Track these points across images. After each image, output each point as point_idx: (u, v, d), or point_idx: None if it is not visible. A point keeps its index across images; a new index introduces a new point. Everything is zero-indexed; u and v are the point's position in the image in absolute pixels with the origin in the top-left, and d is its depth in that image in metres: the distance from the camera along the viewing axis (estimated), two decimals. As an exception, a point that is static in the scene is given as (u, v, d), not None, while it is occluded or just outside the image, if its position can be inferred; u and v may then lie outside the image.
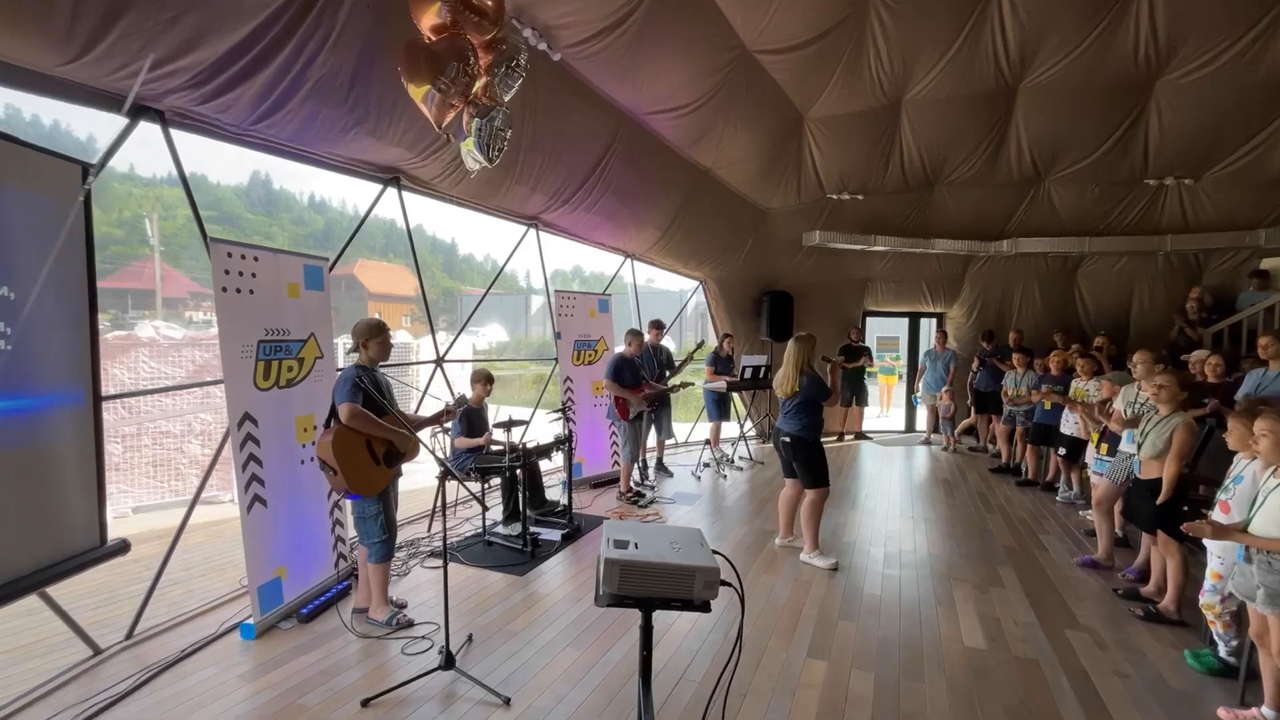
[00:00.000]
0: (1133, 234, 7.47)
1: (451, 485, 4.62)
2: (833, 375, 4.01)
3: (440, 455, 4.36)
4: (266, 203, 33.50)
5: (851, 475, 6.39)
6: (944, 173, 7.25)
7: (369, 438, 2.95)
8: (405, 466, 3.21)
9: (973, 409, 7.84)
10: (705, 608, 1.55)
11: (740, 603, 1.68)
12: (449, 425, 4.45)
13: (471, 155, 2.42)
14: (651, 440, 6.25)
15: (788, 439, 3.90)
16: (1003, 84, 6.15)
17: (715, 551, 1.66)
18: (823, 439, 3.94)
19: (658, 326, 6.05)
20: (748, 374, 6.36)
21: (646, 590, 1.50)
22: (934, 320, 9.37)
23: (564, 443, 4.48)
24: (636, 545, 1.61)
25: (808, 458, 3.88)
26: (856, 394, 8.23)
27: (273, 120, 3.13)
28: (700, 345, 6.25)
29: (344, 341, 3.42)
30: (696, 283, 8.12)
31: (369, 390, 2.86)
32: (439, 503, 2.79)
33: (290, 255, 3.41)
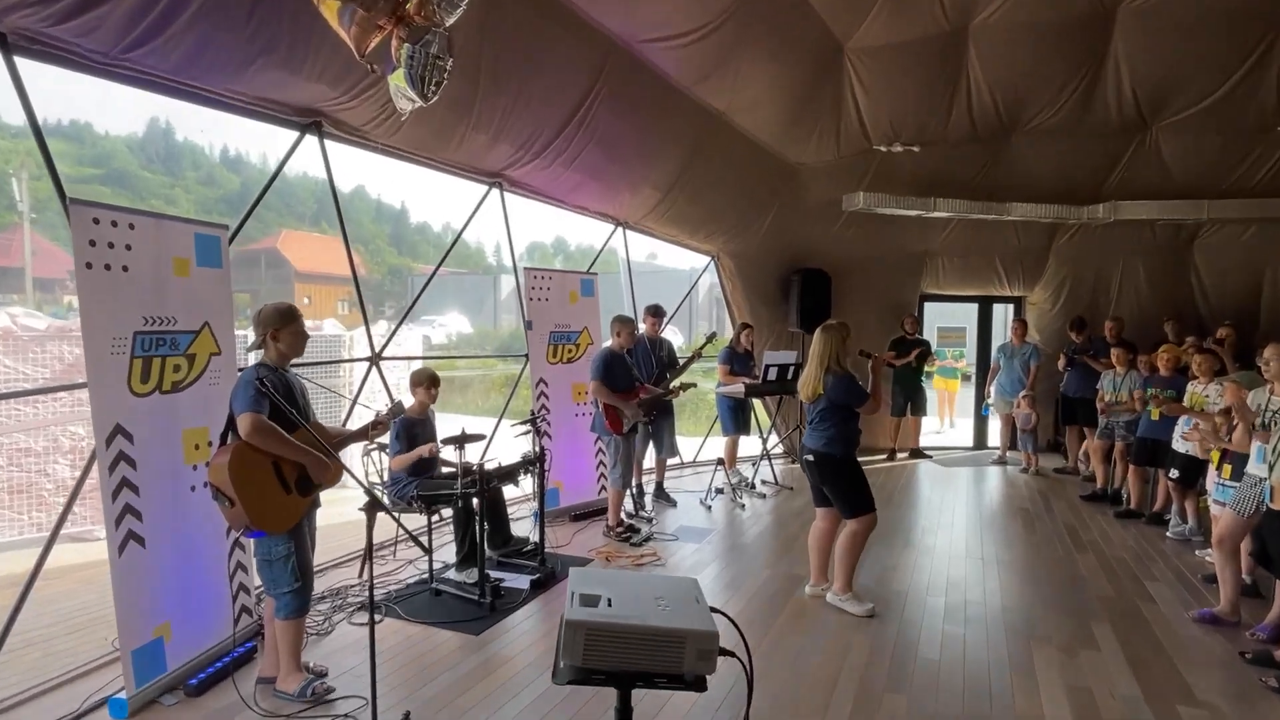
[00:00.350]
0: (1264, 195, 7.41)
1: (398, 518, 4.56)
2: (873, 374, 3.96)
3: (367, 478, 4.31)
4: (167, 158, 33.51)
5: (904, 504, 6.36)
6: (1023, 118, 7.20)
7: (277, 458, 2.88)
8: (327, 494, 3.15)
9: (1060, 420, 7.81)
10: (700, 685, 1.47)
11: (748, 682, 1.60)
12: (386, 441, 4.40)
13: (402, 92, 2.35)
14: (649, 460, 6.24)
15: (811, 457, 3.90)
16: (1098, 2, 6.09)
17: (716, 610, 1.59)
18: (861, 457, 3.90)
19: (655, 314, 6.03)
20: (772, 375, 6.36)
21: (621, 662, 1.42)
22: (1010, 307, 9.36)
23: (534, 463, 4.44)
24: (610, 601, 1.54)
25: (838, 480, 3.86)
26: (911, 400, 8.22)
27: (151, 48, 3.06)
28: (711, 338, 6.24)
29: (247, 334, 3.35)
30: (708, 259, 8.10)
31: (275, 396, 2.79)
32: (369, 541, 2.72)
33: (178, 222, 3.34)
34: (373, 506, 2.69)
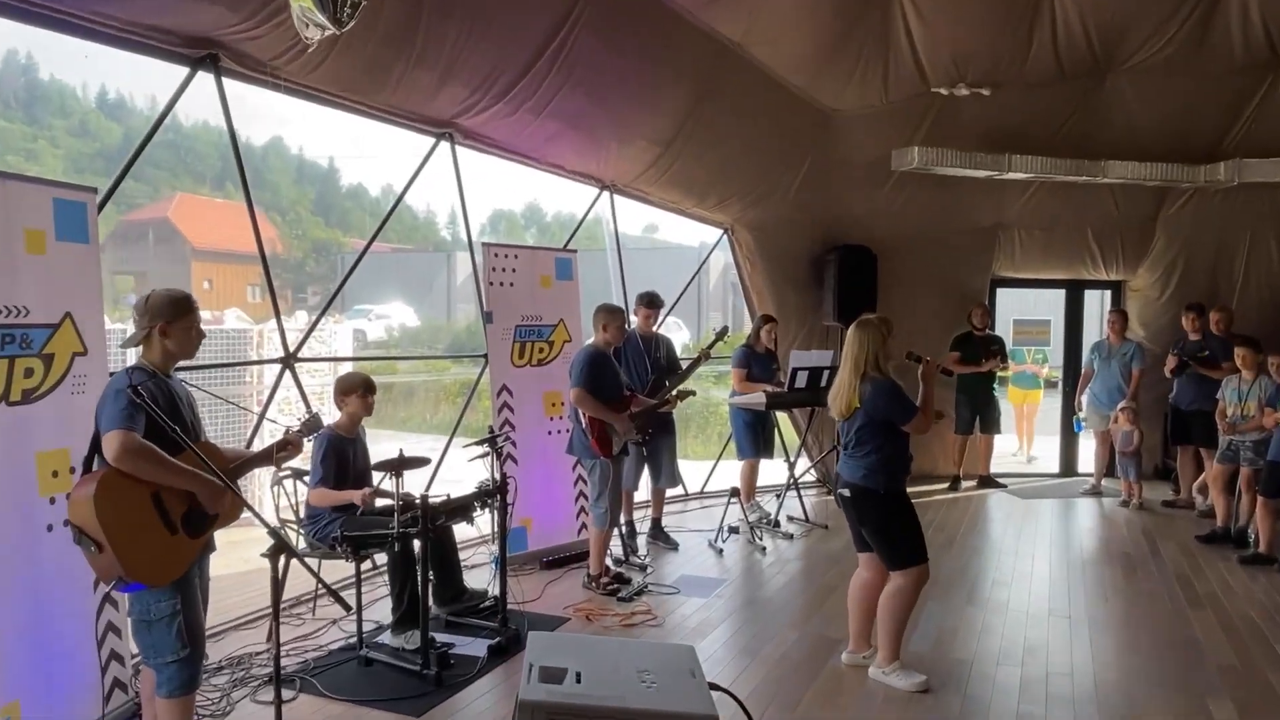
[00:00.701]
0: None
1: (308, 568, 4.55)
2: (925, 382, 3.96)
3: (277, 514, 4.29)
4: (30, 102, 33.43)
5: (970, 548, 6.38)
6: (1122, 53, 7.23)
7: (158, 488, 2.86)
8: (225, 534, 3.13)
9: (1170, 439, 7.82)
10: (696, 786, 1.46)
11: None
12: (302, 465, 4.38)
13: (307, 14, 2.32)
14: (643, 491, 6.25)
15: (846, 491, 3.91)
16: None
17: (717, 687, 1.58)
18: (915, 487, 3.92)
19: (651, 304, 6.06)
20: (801, 381, 6.38)
21: (592, 756, 1.41)
22: (1106, 294, 9.38)
23: (495, 495, 4.43)
24: (580, 676, 1.53)
25: (881, 522, 3.87)
26: (980, 415, 8.25)
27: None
28: (723, 334, 6.25)
29: (126, 328, 3.33)
30: (720, 232, 8.10)
31: (153, 409, 2.77)
32: (275, 596, 2.71)
33: (30, 183, 3.33)
34: (281, 551, 2.67)
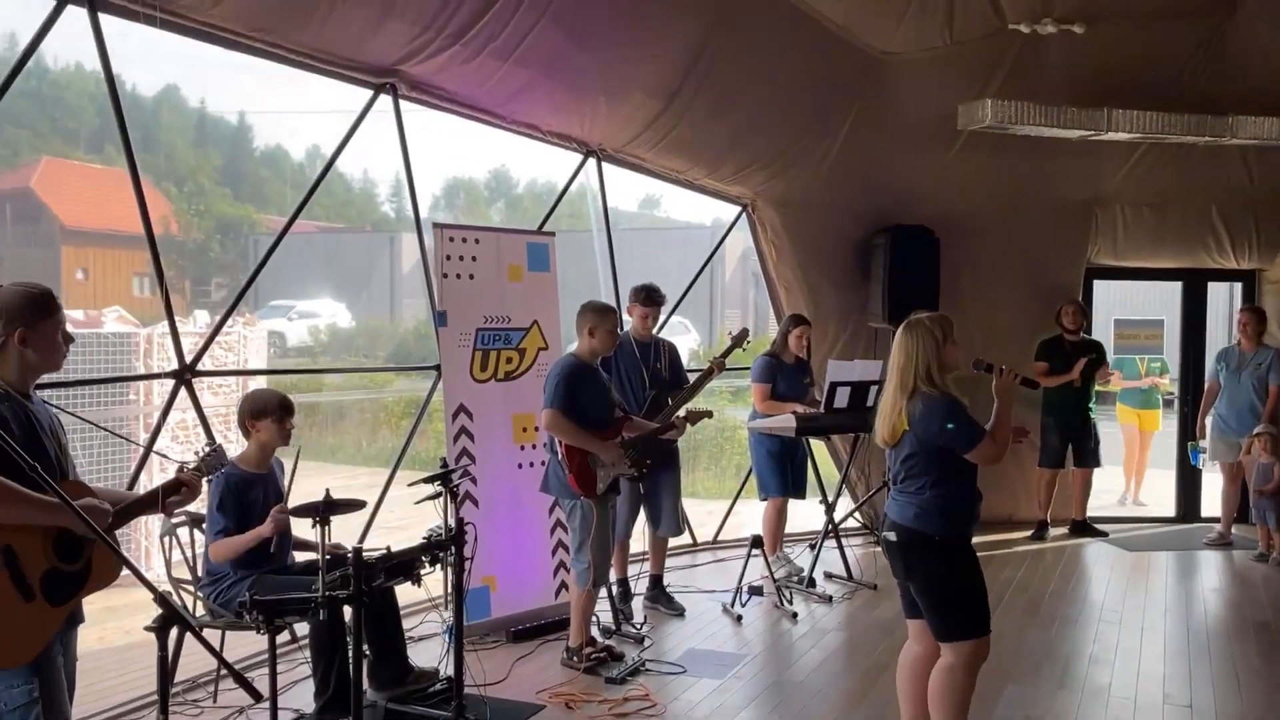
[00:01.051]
0: None
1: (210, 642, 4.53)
2: (999, 399, 3.94)
3: (169, 573, 4.27)
4: None
5: (1062, 615, 6.37)
6: (1254, -21, 7.22)
7: (6, 542, 2.85)
8: (96, 600, 3.12)
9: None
10: None
11: None
12: (198, 510, 4.36)
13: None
14: (638, 539, 6.27)
15: (892, 535, 3.90)
16: None
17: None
18: (984, 537, 3.91)
19: (648, 300, 6.06)
20: (841, 399, 6.37)
21: None
22: (1236, 287, 9.36)
23: (448, 547, 4.43)
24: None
25: (931, 575, 3.86)
26: (1075, 442, 8.26)
27: None
28: (743, 339, 6.27)
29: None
30: (738, 209, 8.14)
31: (3, 440, 2.76)
32: (163, 678, 2.70)
33: None
34: (172, 621, 2.66)
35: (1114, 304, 9.58)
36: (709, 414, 5.95)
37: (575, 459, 5.04)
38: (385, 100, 5.63)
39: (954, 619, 3.82)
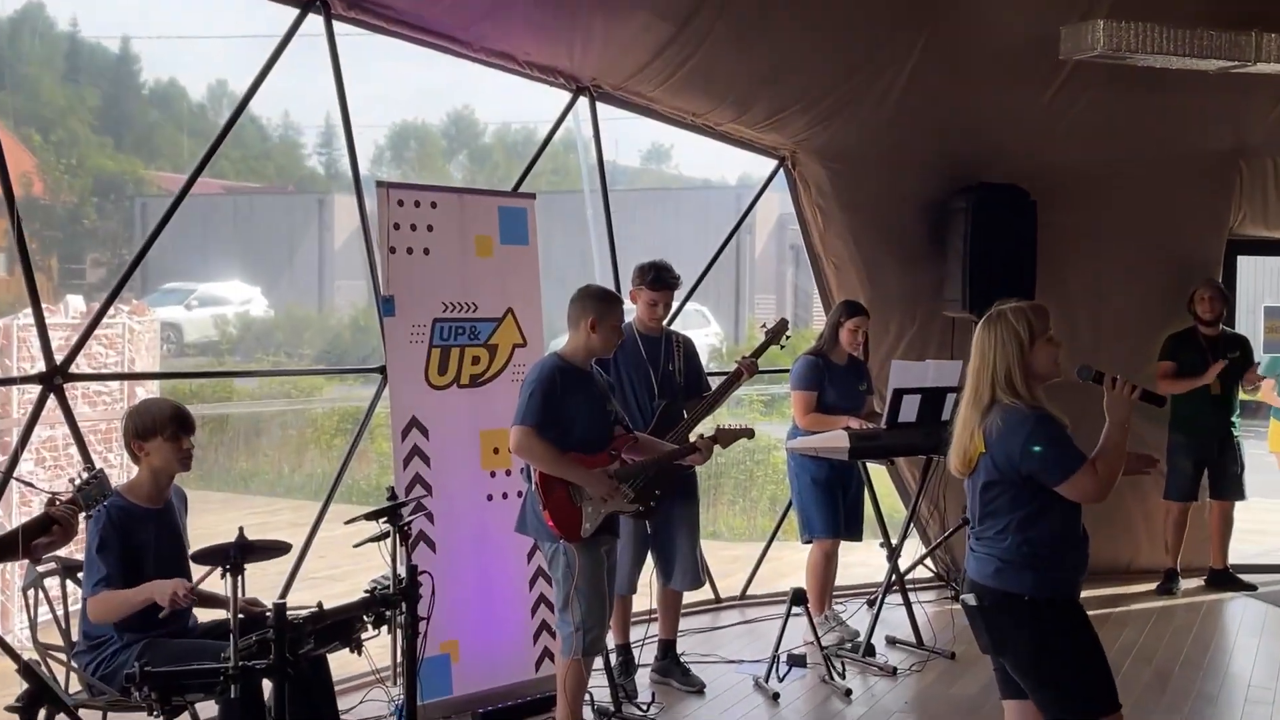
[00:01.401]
0: None
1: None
2: (1112, 414, 3.90)
3: (34, 635, 4.25)
4: None
5: (1199, 692, 6.35)
6: None
7: None
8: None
9: None
10: None
11: None
12: (71, 557, 4.34)
13: None
14: (643, 594, 6.27)
15: (973, 598, 3.90)
16: None
17: None
18: (1095, 590, 3.90)
19: (657, 283, 6.03)
20: (908, 412, 6.39)
21: None
22: None
23: (397, 604, 4.43)
24: None
25: (1030, 646, 3.85)
26: (1211, 467, 8.25)
27: None
28: (779, 333, 6.27)
29: None
30: (773, 163, 8.15)
31: None
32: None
33: None
34: (40, 699, 2.65)
35: (1265, 287, 9.52)
36: (748, 432, 5.88)
37: (553, 492, 5.03)
38: (314, 21, 5.64)
39: (1068, 698, 3.81)
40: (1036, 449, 3.70)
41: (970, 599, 3.88)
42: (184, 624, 4.48)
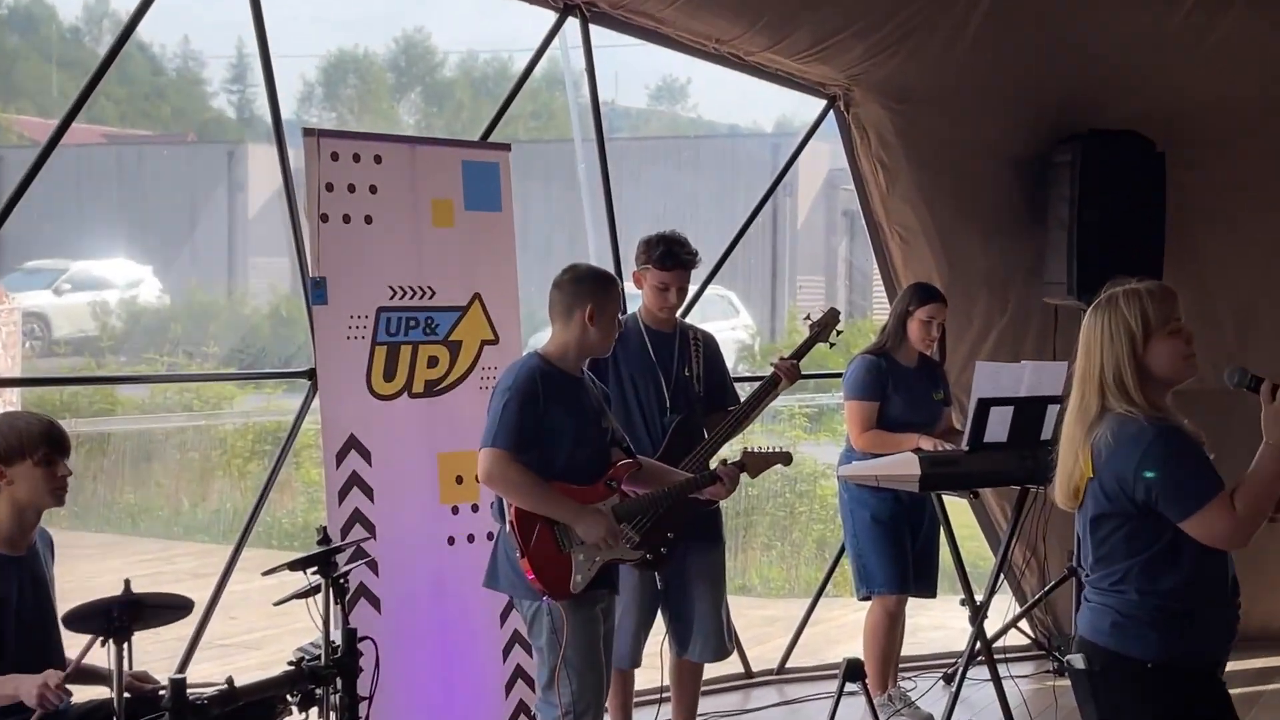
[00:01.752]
0: None
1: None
2: (1270, 432, 3.87)
3: None
4: None
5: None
6: None
7: None
8: None
9: None
10: None
11: None
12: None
13: None
14: (647, 666, 6.32)
15: (1079, 661, 3.90)
16: None
17: None
18: (1241, 662, 3.89)
19: (668, 260, 6.03)
20: (997, 430, 6.41)
21: None
22: None
23: (330, 679, 4.44)
24: None
25: None
26: None
27: None
28: (829, 326, 6.34)
29: None
30: (822, 103, 8.23)
31: None
32: None
33: None
34: None
35: None
36: (785, 457, 5.90)
37: (534, 534, 5.04)
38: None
39: None
40: (1150, 474, 3.67)
41: (1078, 660, 3.88)
42: (58, 705, 4.47)
